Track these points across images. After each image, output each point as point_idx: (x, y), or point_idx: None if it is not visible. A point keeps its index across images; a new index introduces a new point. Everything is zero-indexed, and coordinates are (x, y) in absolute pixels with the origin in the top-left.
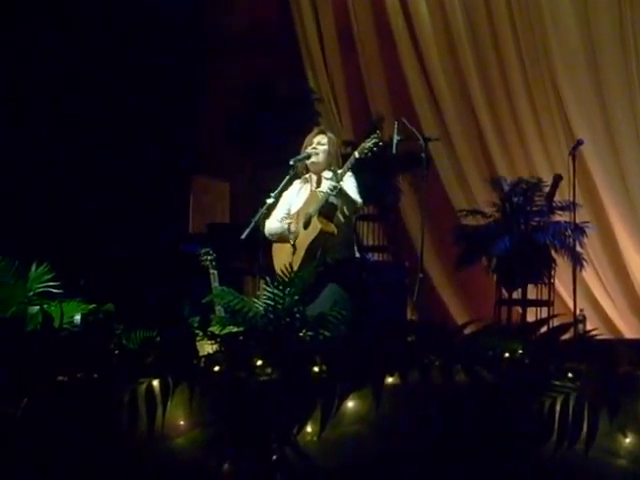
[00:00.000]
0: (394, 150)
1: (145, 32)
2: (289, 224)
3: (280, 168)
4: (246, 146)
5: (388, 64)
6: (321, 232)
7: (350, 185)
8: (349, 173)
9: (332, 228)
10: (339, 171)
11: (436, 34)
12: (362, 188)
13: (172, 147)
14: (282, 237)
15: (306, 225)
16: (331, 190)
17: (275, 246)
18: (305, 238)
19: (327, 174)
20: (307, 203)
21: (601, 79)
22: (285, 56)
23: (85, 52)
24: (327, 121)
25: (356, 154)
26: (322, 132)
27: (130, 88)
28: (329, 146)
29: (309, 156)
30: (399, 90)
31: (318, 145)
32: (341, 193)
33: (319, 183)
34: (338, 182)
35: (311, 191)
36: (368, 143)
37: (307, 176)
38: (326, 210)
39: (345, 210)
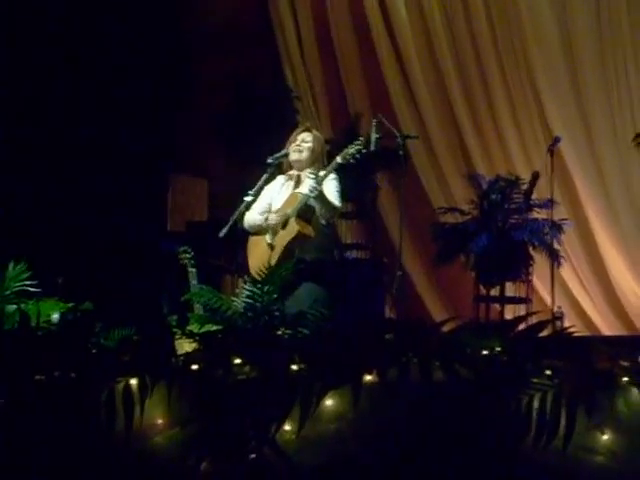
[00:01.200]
0: (372, 147)
1: (125, 32)
2: (266, 218)
3: (258, 166)
4: (224, 144)
5: (366, 63)
6: (299, 234)
7: (332, 187)
8: (333, 175)
9: (309, 230)
10: (320, 173)
11: (414, 34)
12: (342, 186)
13: (151, 146)
14: (260, 230)
15: (284, 225)
16: (310, 193)
17: (250, 242)
18: (282, 238)
19: (309, 174)
20: (286, 203)
21: (578, 77)
22: (264, 54)
23: (64, 51)
24: (305, 119)
25: (339, 159)
26: (307, 129)
27: (110, 87)
28: (314, 144)
29: (287, 154)
30: (377, 88)
31: (302, 143)
32: (320, 197)
33: (299, 182)
34: (318, 185)
35: (291, 191)
36: (351, 149)
37: (291, 173)
38: (304, 212)
39: (323, 213)
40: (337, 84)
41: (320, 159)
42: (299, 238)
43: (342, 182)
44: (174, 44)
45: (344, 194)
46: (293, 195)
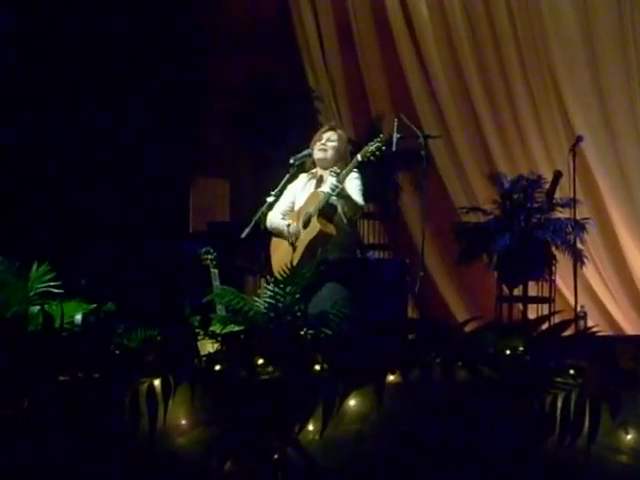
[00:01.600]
0: (394, 147)
1: (144, 30)
2: (289, 225)
3: (281, 166)
4: (247, 145)
5: (388, 62)
6: (320, 232)
7: (353, 186)
8: (354, 173)
9: (331, 229)
10: (342, 172)
11: (435, 32)
12: (364, 185)
13: (173, 146)
14: (282, 234)
15: (305, 224)
16: (332, 191)
17: (273, 242)
18: (304, 237)
19: (331, 172)
20: (308, 202)
21: (601, 75)
22: (285, 54)
23: (82, 49)
24: (327, 119)
25: (359, 157)
26: (332, 129)
27: (130, 87)
28: (339, 143)
29: (310, 154)
30: (399, 88)
31: (328, 142)
32: (342, 194)
33: (321, 181)
34: (340, 183)
35: (313, 190)
36: (371, 147)
37: (314, 171)
38: (326, 211)
39: (346, 211)
40: (358, 84)
41: (344, 158)
42: (321, 237)
43: (364, 180)
44: (194, 43)
45: (366, 193)
46: (315, 194)
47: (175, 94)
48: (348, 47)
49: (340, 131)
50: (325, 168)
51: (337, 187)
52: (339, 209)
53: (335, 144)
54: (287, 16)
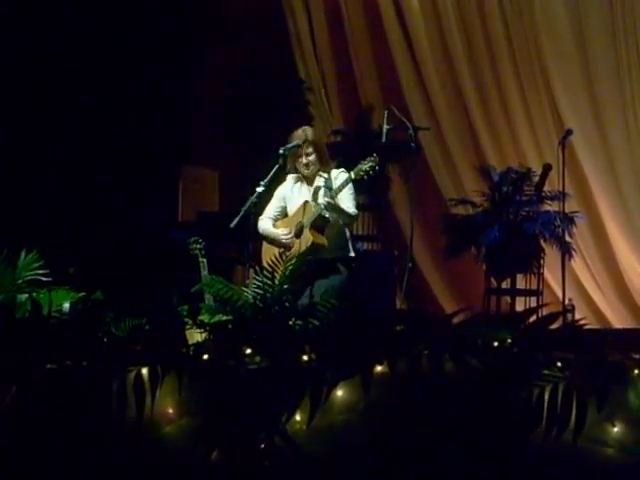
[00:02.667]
0: (383, 139)
1: (133, 19)
2: (284, 237)
3: (270, 157)
4: (236, 135)
5: (378, 54)
6: (312, 244)
7: (346, 195)
8: (349, 185)
9: (323, 240)
10: (334, 189)
11: (426, 25)
12: (357, 195)
13: (161, 136)
14: (273, 241)
15: (298, 235)
16: (324, 208)
17: (265, 246)
18: (296, 247)
19: (322, 186)
20: (300, 212)
21: (591, 69)
22: (275, 45)
23: (71, 38)
24: (317, 110)
25: (352, 175)
26: (305, 141)
27: (118, 76)
28: (317, 154)
29: (299, 145)
30: (389, 79)
31: (307, 157)
32: (334, 208)
33: (312, 180)
34: (332, 199)
35: (305, 201)
36: (365, 166)
37: (299, 175)
38: (318, 223)
39: (340, 222)
40: (349, 75)
41: (324, 157)
42: (313, 248)
43: (357, 191)
44: (184, 34)
45: (359, 201)
46: (307, 206)
47: (164, 83)
48: (339, 38)
49: (311, 135)
50: (311, 177)
51: (330, 204)
52: (333, 218)
53: (313, 157)
54: (278, 6)
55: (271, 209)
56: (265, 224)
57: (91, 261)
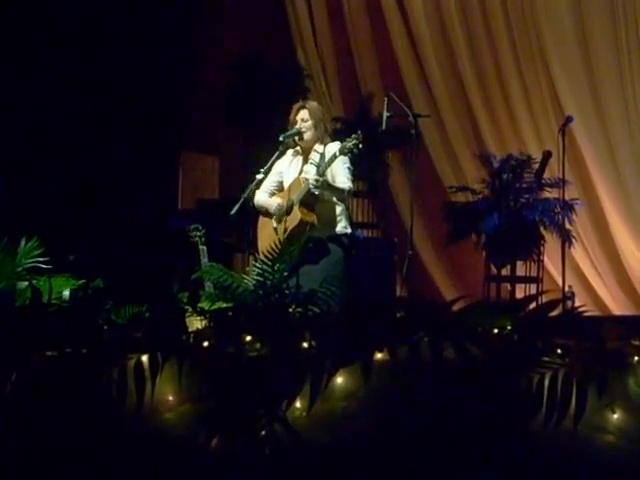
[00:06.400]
0: (383, 126)
1: (133, 6)
2: (275, 205)
3: (270, 144)
4: (236, 122)
5: (378, 40)
6: (301, 222)
7: (340, 169)
8: (343, 157)
9: (312, 218)
10: (322, 165)
11: (426, 11)
12: (352, 166)
13: (161, 122)
14: (268, 213)
15: (288, 211)
16: (313, 187)
17: (260, 223)
18: (287, 224)
19: (316, 154)
20: (292, 187)
21: (591, 56)
22: (275, 32)
23: (70, 24)
24: (317, 97)
25: (337, 153)
26: (302, 107)
27: (118, 63)
28: (313, 119)
29: (299, 132)
30: (389, 66)
31: (302, 122)
32: (324, 186)
33: (306, 157)
34: (321, 176)
35: (297, 176)
36: (348, 143)
37: (298, 149)
38: (307, 201)
39: (333, 198)
40: (349, 62)
41: (325, 129)
42: (302, 226)
43: (353, 162)
44: (183, 20)
45: (355, 174)
46: (297, 181)
47: (164, 69)
48: (339, 25)
49: (310, 104)
50: (307, 147)
51: (318, 181)
52: (326, 195)
53: (309, 122)
54: None
55: (268, 183)
56: (259, 195)
57: (91, 248)
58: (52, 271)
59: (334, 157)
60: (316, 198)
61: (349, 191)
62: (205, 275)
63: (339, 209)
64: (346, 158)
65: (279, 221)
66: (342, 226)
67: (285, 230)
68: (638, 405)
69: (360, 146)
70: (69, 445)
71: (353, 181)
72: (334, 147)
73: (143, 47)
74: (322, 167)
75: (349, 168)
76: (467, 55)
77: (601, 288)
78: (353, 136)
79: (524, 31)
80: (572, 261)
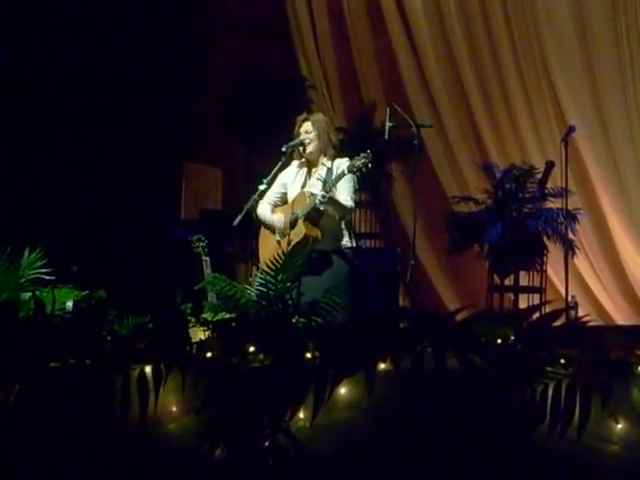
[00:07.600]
0: (386, 136)
1: (134, 16)
2: (278, 222)
3: (273, 155)
4: (239, 132)
5: (381, 51)
6: (305, 237)
7: (346, 186)
8: (351, 175)
9: (316, 233)
10: (329, 182)
11: (428, 21)
12: (358, 186)
13: (164, 133)
14: (271, 227)
15: (292, 225)
16: (319, 202)
17: (262, 235)
18: (291, 237)
19: (323, 168)
20: (296, 201)
21: (593, 65)
22: (278, 43)
23: (73, 34)
24: (320, 108)
25: (345, 170)
26: (306, 119)
27: (120, 73)
28: (317, 130)
29: (302, 143)
30: (392, 77)
31: (305, 134)
32: (330, 202)
33: (312, 168)
34: (327, 193)
35: (302, 190)
36: (358, 162)
37: (303, 161)
38: (312, 215)
39: (336, 215)
40: (351, 73)
41: (329, 141)
42: (306, 240)
43: (359, 181)
44: (187, 30)
45: (359, 193)
46: (302, 194)
47: (167, 80)
48: (341, 36)
49: (314, 116)
50: (312, 159)
51: (325, 197)
52: (329, 211)
53: (313, 134)
54: (280, 4)
55: (271, 194)
56: (262, 208)
57: (95, 259)
58: (55, 282)
59: (342, 174)
60: (321, 213)
61: (350, 210)
62: (208, 286)
63: (342, 223)
64: (354, 176)
65: (283, 235)
66: (345, 240)
67: (289, 243)
68: None
69: (369, 165)
70: (72, 456)
71: (356, 201)
72: (343, 164)
73: (146, 60)
74: (329, 184)
75: (354, 187)
76: (469, 65)
77: (604, 298)
78: (362, 155)
79: (526, 41)
80: (575, 271)
